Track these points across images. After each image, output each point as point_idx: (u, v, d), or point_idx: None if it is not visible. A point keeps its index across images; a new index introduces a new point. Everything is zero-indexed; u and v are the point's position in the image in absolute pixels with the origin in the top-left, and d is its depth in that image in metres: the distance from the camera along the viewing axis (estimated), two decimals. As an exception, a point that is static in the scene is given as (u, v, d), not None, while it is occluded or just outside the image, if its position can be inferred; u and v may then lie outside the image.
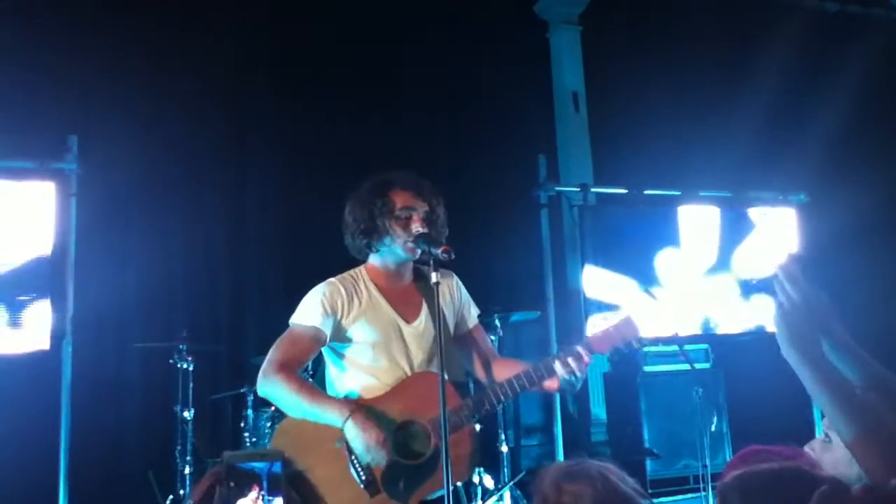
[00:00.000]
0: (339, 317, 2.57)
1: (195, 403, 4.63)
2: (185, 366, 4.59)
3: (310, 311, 2.57)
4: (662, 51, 6.51)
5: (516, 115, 6.29)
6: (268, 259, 5.78)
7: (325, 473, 2.35)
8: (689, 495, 5.06)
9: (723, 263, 5.73)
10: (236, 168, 5.81)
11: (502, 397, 2.54)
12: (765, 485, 1.35)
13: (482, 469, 4.63)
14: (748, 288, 5.66)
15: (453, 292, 2.74)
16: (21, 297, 4.41)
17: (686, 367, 5.13)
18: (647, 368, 5.51)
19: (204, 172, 5.69)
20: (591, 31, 6.82)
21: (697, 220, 5.78)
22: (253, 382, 4.36)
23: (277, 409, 4.24)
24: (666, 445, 5.32)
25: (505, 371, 2.64)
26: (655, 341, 5.14)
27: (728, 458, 4.96)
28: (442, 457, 2.21)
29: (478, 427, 2.63)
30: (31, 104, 5.07)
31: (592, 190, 5.75)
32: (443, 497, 2.22)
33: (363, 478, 2.44)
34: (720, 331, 5.67)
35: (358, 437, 2.40)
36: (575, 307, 5.48)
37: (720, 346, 5.74)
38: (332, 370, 2.68)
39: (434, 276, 2.37)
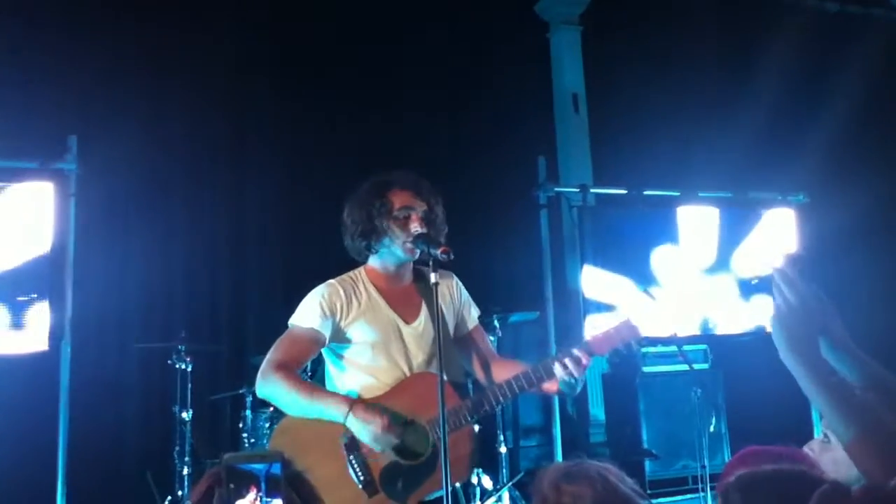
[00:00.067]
0: (337, 318, 2.57)
1: (194, 404, 4.63)
2: (183, 366, 4.59)
3: (309, 313, 2.57)
4: (662, 51, 6.51)
5: (516, 115, 6.29)
6: (267, 259, 5.78)
7: (323, 473, 2.35)
8: (688, 496, 5.06)
9: (722, 264, 5.73)
10: (236, 168, 5.81)
11: (501, 398, 2.54)
12: (767, 485, 1.35)
13: (481, 470, 4.63)
14: (748, 288, 5.66)
15: (453, 293, 2.73)
16: (20, 298, 4.41)
17: (685, 367, 5.13)
18: (646, 369, 5.51)
19: (203, 173, 5.69)
20: (591, 31, 6.82)
21: (697, 220, 5.77)
22: (252, 383, 4.36)
23: (276, 410, 4.24)
24: (665, 446, 5.32)
25: (504, 372, 2.64)
26: (654, 342, 5.15)
27: (727, 459, 4.97)
28: (441, 457, 2.21)
29: (476, 428, 2.62)
30: (31, 104, 5.07)
31: (592, 190, 5.75)
32: (441, 497, 2.21)
33: (361, 478, 2.44)
34: (719, 331, 5.67)
35: (363, 428, 2.40)
36: (574, 308, 5.48)
37: (719, 347, 5.74)
38: (331, 370, 2.68)
39: (433, 277, 2.37)
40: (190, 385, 4.62)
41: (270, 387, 2.51)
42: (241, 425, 4.74)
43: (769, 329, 1.38)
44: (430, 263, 2.39)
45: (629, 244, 5.56)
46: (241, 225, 5.76)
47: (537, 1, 6.82)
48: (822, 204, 6.07)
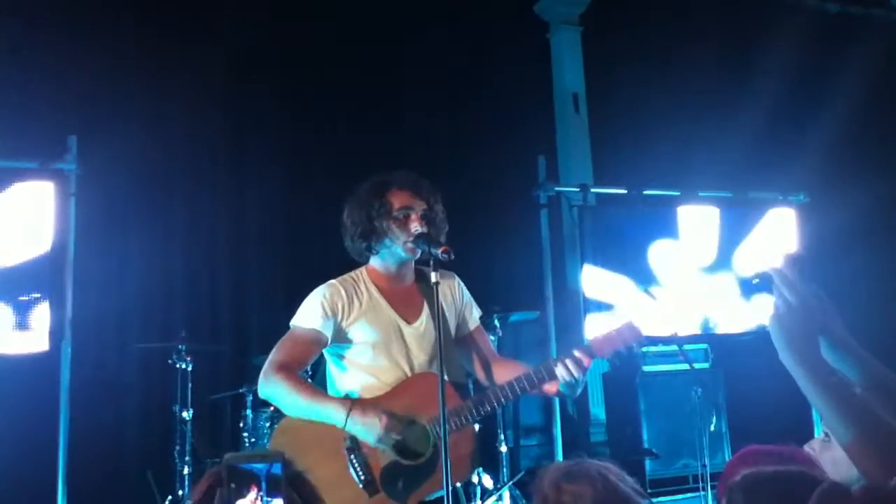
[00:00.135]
0: (339, 319, 2.57)
1: (194, 404, 4.63)
2: (184, 366, 4.59)
3: (310, 314, 2.57)
4: (662, 51, 6.51)
5: (516, 115, 6.29)
6: (267, 259, 5.78)
7: (324, 473, 2.35)
8: (689, 495, 5.06)
9: (722, 263, 5.73)
10: (236, 167, 5.81)
11: (503, 399, 2.54)
12: (770, 486, 1.35)
13: (481, 469, 4.63)
14: (748, 287, 5.66)
15: (454, 293, 2.73)
16: (21, 298, 4.41)
17: (685, 366, 5.13)
18: (647, 368, 5.51)
19: (204, 172, 5.69)
20: (591, 31, 6.83)
21: (697, 220, 5.77)
22: (252, 383, 4.39)
23: (276, 409, 4.23)
24: (665, 445, 5.32)
25: (505, 373, 2.64)
26: (654, 341, 5.15)
27: (727, 458, 4.97)
28: (441, 457, 2.21)
29: (477, 427, 2.62)
30: (31, 104, 5.07)
31: (592, 190, 5.75)
32: (442, 498, 2.22)
33: (362, 477, 2.44)
34: (720, 330, 5.67)
35: (364, 430, 2.40)
36: (574, 307, 5.48)
37: (720, 346, 5.74)
38: (332, 370, 2.68)
39: (434, 276, 2.37)
40: (190, 385, 4.62)
41: (271, 388, 2.51)
42: (241, 425, 4.74)
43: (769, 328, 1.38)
44: (431, 263, 2.39)
45: (629, 244, 5.56)
46: (241, 224, 5.76)
47: (537, 1, 6.82)
48: (823, 204, 6.07)
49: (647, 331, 2.64)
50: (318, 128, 5.82)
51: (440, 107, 6.04)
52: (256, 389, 2.61)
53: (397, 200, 2.57)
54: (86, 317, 4.72)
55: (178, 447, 4.58)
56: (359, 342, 2.58)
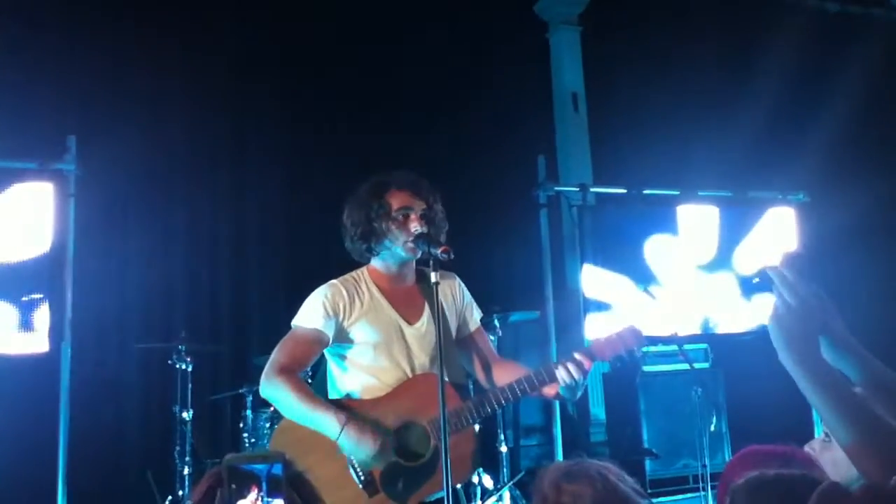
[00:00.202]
0: (340, 318, 2.57)
1: (194, 404, 4.63)
2: (183, 366, 4.59)
3: (312, 313, 2.57)
4: (662, 51, 6.51)
5: (516, 115, 6.29)
6: (267, 259, 5.78)
7: (324, 473, 2.35)
8: (689, 495, 5.06)
9: (722, 263, 5.73)
10: (236, 168, 5.81)
11: (504, 401, 2.54)
12: (773, 490, 1.35)
13: (481, 469, 4.63)
14: (749, 287, 5.66)
15: (455, 294, 2.73)
16: (24, 299, 4.41)
17: (685, 366, 5.13)
18: (647, 368, 5.50)
19: (203, 173, 5.70)
20: (590, 31, 6.82)
21: (697, 219, 5.77)
22: (252, 383, 4.39)
23: (276, 410, 4.24)
24: (665, 445, 5.32)
25: (506, 375, 2.64)
26: (654, 341, 5.15)
27: (727, 458, 4.97)
28: (442, 458, 2.21)
29: (477, 427, 2.62)
30: (30, 105, 5.07)
31: (592, 190, 5.75)
32: (442, 499, 2.21)
33: (362, 478, 2.44)
34: (720, 330, 5.67)
35: (356, 447, 2.40)
36: (574, 307, 5.48)
37: (720, 346, 5.74)
38: (333, 370, 2.68)
39: (434, 276, 2.37)
40: (190, 385, 4.62)
41: (272, 389, 2.51)
42: (241, 425, 4.74)
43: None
44: (431, 263, 2.39)
45: (629, 243, 5.56)
46: (241, 224, 5.76)
47: (537, 1, 6.82)
48: (822, 203, 6.06)
49: (648, 331, 2.64)
50: (318, 127, 5.82)
51: (440, 107, 6.04)
52: (256, 390, 2.61)
53: (396, 201, 2.57)
54: (86, 317, 4.72)
55: (178, 447, 4.58)
56: (360, 342, 2.58)
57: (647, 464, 5.28)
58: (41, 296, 4.43)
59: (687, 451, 5.10)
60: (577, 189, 5.56)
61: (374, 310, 2.60)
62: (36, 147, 4.64)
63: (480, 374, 2.74)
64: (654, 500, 4.91)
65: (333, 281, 2.63)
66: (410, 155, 4.93)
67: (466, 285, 2.79)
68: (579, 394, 2.54)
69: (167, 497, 4.62)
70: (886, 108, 6.97)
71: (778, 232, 5.86)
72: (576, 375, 2.47)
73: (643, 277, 5.47)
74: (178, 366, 4.59)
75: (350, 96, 5.87)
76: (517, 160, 5.81)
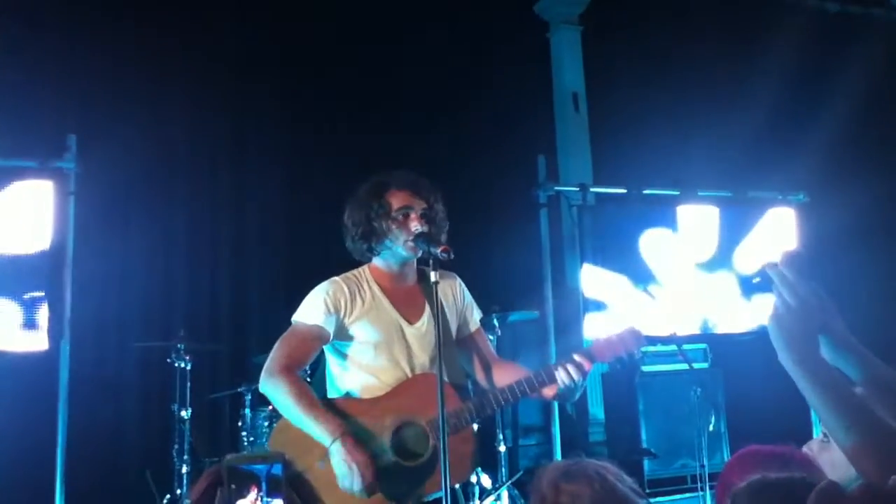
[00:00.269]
0: (341, 315, 2.57)
1: (193, 403, 4.63)
2: (182, 365, 4.59)
3: (313, 309, 2.56)
4: (662, 51, 6.51)
5: (516, 114, 6.29)
6: (266, 258, 5.79)
7: (323, 472, 2.36)
8: (687, 495, 5.06)
9: (722, 263, 5.73)
10: (236, 166, 5.82)
11: (503, 402, 2.54)
12: (775, 493, 1.35)
13: (480, 469, 4.63)
14: (749, 286, 5.66)
15: (456, 294, 2.73)
16: (26, 296, 4.41)
17: (684, 366, 5.13)
18: (645, 368, 5.50)
19: (203, 171, 5.70)
20: (591, 31, 6.82)
21: (697, 219, 5.78)
22: (251, 381, 4.39)
23: (275, 409, 4.24)
24: (664, 445, 5.32)
25: (505, 375, 2.64)
26: (653, 341, 5.15)
27: (726, 458, 4.97)
28: (440, 458, 2.21)
29: (476, 427, 2.62)
30: (30, 103, 5.07)
31: (592, 190, 5.75)
32: (440, 499, 2.21)
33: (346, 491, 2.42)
34: (719, 330, 5.67)
35: (342, 460, 2.36)
36: (573, 307, 5.48)
37: (719, 346, 5.74)
38: (333, 368, 2.68)
39: (433, 276, 2.37)
40: (189, 384, 4.61)
41: (272, 388, 2.50)
42: (240, 424, 4.74)
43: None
44: (431, 262, 2.40)
45: (629, 243, 5.56)
46: (240, 223, 5.76)
47: (537, 1, 6.82)
48: (822, 203, 6.07)
49: (647, 330, 2.64)
50: (318, 127, 5.83)
51: (440, 107, 6.04)
52: (255, 388, 2.61)
53: (396, 200, 2.58)
54: (85, 315, 4.72)
55: (176, 446, 4.57)
56: (360, 341, 2.58)
57: (646, 464, 5.28)
58: (42, 294, 4.43)
59: (685, 451, 5.10)
60: (577, 189, 5.57)
61: (375, 308, 2.60)
62: (36, 145, 4.64)
63: (480, 375, 2.74)
64: (653, 500, 4.91)
65: (335, 278, 2.63)
66: (411, 155, 4.93)
67: (466, 285, 2.79)
68: (578, 395, 2.55)
69: (165, 495, 4.62)
70: (886, 108, 6.98)
71: (778, 232, 5.86)
72: (575, 377, 2.47)
73: (643, 277, 5.47)
74: (176, 364, 4.59)
75: (350, 96, 5.87)
76: (517, 160, 5.81)
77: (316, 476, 2.18)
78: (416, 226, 2.54)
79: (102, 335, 5.19)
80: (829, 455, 1.76)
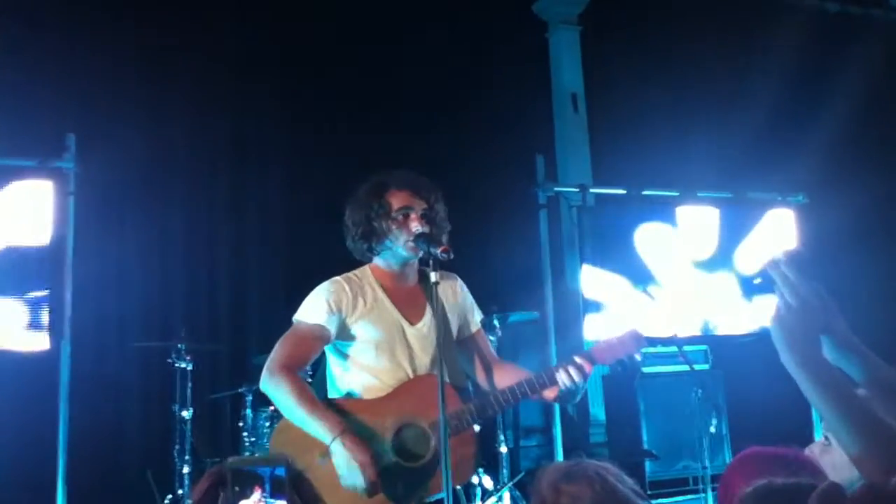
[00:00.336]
0: (343, 315, 2.56)
1: (194, 403, 4.62)
2: (183, 365, 4.58)
3: (314, 309, 2.56)
4: (662, 51, 6.50)
5: (515, 115, 6.29)
6: (267, 258, 5.78)
7: (324, 472, 2.36)
8: (689, 496, 5.06)
9: (722, 264, 5.73)
10: (235, 166, 5.81)
11: (504, 404, 2.55)
12: (782, 498, 1.35)
13: (481, 470, 4.63)
14: (750, 287, 5.65)
15: (457, 295, 2.73)
16: (28, 295, 4.42)
17: (685, 368, 5.13)
18: (646, 369, 5.50)
19: (203, 171, 5.70)
20: (590, 31, 6.82)
21: (696, 220, 5.77)
22: (252, 382, 4.39)
23: (276, 409, 4.24)
24: (665, 447, 5.32)
25: (506, 377, 2.64)
26: (654, 342, 5.15)
27: (727, 460, 4.97)
28: (441, 460, 2.20)
29: (477, 428, 2.62)
30: (30, 103, 5.06)
31: (591, 190, 5.75)
32: (442, 499, 2.21)
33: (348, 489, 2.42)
34: (720, 332, 5.67)
35: (344, 456, 2.36)
36: (573, 307, 5.48)
37: (719, 348, 5.74)
38: (334, 368, 2.67)
39: (433, 276, 2.36)
40: (190, 384, 4.61)
41: (273, 386, 2.50)
42: (241, 424, 4.73)
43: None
44: (431, 263, 2.39)
45: (629, 244, 5.55)
46: (241, 223, 5.76)
47: (536, 1, 6.82)
48: (822, 205, 6.07)
49: (647, 332, 2.64)
50: (317, 127, 5.82)
51: (439, 107, 6.04)
52: (256, 389, 2.61)
53: (396, 201, 2.58)
54: (85, 316, 4.72)
55: (177, 446, 4.57)
56: (361, 341, 2.58)
57: (647, 465, 5.28)
58: (46, 293, 4.43)
59: (687, 452, 5.10)
60: (577, 189, 5.57)
61: (376, 309, 2.60)
62: (35, 145, 4.64)
63: (480, 376, 2.74)
64: (654, 502, 4.90)
65: (336, 278, 2.63)
66: (410, 155, 4.92)
67: (465, 285, 2.79)
68: (579, 397, 2.55)
69: (166, 496, 4.62)
70: (886, 108, 6.97)
71: (777, 233, 5.86)
72: (576, 379, 2.47)
73: (642, 278, 5.47)
74: (177, 365, 4.59)
75: (350, 96, 5.87)
76: (516, 160, 5.81)
77: (317, 475, 2.18)
78: (416, 226, 2.54)
79: (103, 335, 5.18)
80: (831, 457, 1.76)
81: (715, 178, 6.03)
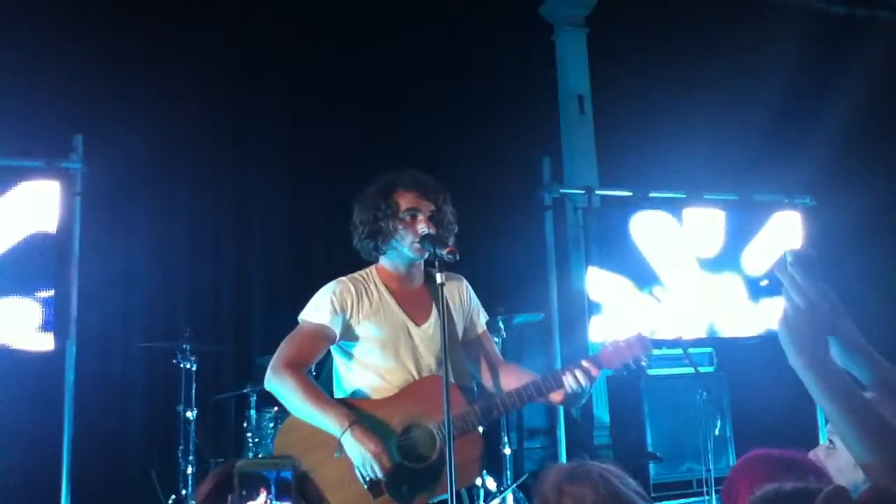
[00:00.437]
0: (348, 315, 2.57)
1: (198, 403, 4.63)
2: (188, 366, 4.59)
3: (319, 309, 2.57)
4: (668, 53, 6.50)
5: (521, 116, 6.29)
6: (272, 259, 5.79)
7: (329, 472, 2.36)
8: (693, 499, 5.05)
9: (728, 266, 5.71)
10: (241, 167, 5.83)
11: (510, 406, 2.55)
12: (792, 502, 1.34)
13: (485, 471, 4.63)
14: (757, 289, 5.64)
15: (463, 296, 2.73)
16: (38, 295, 4.44)
17: (690, 370, 5.12)
18: (651, 372, 5.49)
19: (209, 172, 5.71)
20: (596, 33, 6.82)
21: (702, 222, 5.76)
22: (256, 382, 4.39)
23: (280, 410, 4.25)
24: (669, 449, 5.31)
25: (512, 379, 2.64)
26: (659, 344, 5.14)
27: (732, 463, 4.95)
28: (447, 461, 2.20)
29: (481, 428, 2.62)
30: (37, 103, 5.09)
31: (597, 192, 5.74)
32: (447, 501, 2.21)
33: (367, 478, 2.43)
34: (725, 334, 5.65)
35: (357, 448, 2.38)
36: (578, 309, 5.47)
37: (724, 350, 5.73)
38: (339, 368, 2.68)
39: (439, 277, 2.36)
40: (194, 384, 4.62)
41: (278, 384, 2.51)
42: (245, 425, 4.74)
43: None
44: (436, 264, 2.40)
45: (634, 246, 5.55)
46: (246, 224, 5.77)
47: (542, 3, 6.82)
48: (828, 207, 6.05)
49: (652, 334, 2.63)
50: (322, 129, 5.83)
51: (445, 108, 6.05)
52: (260, 389, 2.62)
53: (404, 201, 2.58)
54: (91, 316, 4.73)
55: (181, 447, 4.58)
56: (367, 341, 2.58)
57: (651, 467, 5.27)
58: (52, 293, 4.45)
59: (691, 454, 5.09)
60: (583, 191, 5.56)
61: (382, 309, 2.60)
62: (42, 146, 4.66)
63: (486, 378, 2.74)
64: (658, 504, 4.90)
65: (342, 278, 2.64)
66: (415, 156, 4.93)
67: (471, 286, 2.79)
68: (584, 400, 2.55)
69: (170, 496, 4.62)
70: (892, 110, 6.95)
71: (784, 236, 5.85)
72: (583, 383, 2.48)
73: (648, 280, 5.46)
74: (182, 365, 4.59)
75: (354, 98, 5.87)
76: (522, 162, 5.81)
77: (322, 475, 2.18)
78: (422, 227, 2.54)
79: (108, 336, 5.20)
80: (835, 461, 1.76)
81: (721, 180, 6.01)
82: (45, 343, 4.43)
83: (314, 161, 5.78)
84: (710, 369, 5.64)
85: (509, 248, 6.02)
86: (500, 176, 6.08)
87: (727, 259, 5.72)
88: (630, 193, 5.65)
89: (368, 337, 2.58)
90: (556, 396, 2.55)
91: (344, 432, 2.39)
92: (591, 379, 2.49)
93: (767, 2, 6.76)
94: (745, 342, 5.65)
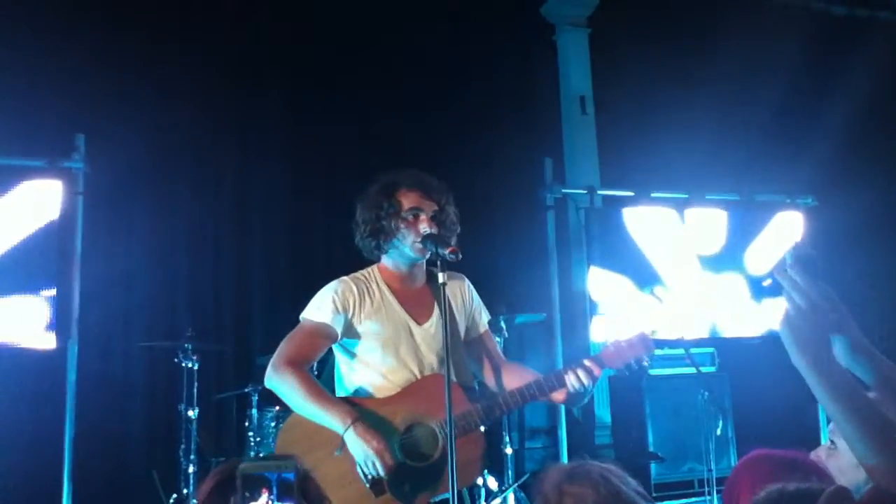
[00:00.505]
0: (350, 314, 2.57)
1: (200, 402, 4.63)
2: (189, 365, 4.59)
3: (321, 307, 2.57)
4: (670, 54, 6.49)
5: (523, 117, 6.29)
6: (273, 258, 5.79)
7: (330, 470, 2.36)
8: (694, 499, 5.05)
9: (730, 266, 5.71)
10: (242, 167, 5.83)
11: (512, 405, 2.55)
12: (797, 503, 1.34)
13: (486, 470, 4.63)
14: (759, 290, 5.64)
15: (465, 296, 2.73)
16: (44, 293, 4.44)
17: (691, 370, 5.11)
18: (653, 371, 5.49)
19: (210, 172, 5.72)
20: (598, 33, 6.81)
21: (704, 222, 5.76)
22: (257, 382, 4.39)
23: (282, 409, 4.25)
24: (671, 449, 5.31)
25: (514, 378, 2.64)
26: (661, 344, 5.13)
27: (733, 463, 4.95)
28: (448, 460, 2.20)
29: (483, 428, 2.62)
30: (39, 103, 5.09)
31: (599, 192, 5.74)
32: (448, 500, 2.21)
33: (369, 477, 2.43)
34: (727, 334, 5.65)
35: (360, 445, 2.39)
36: (580, 309, 5.47)
37: (726, 350, 5.72)
38: (341, 367, 2.68)
39: (441, 277, 2.36)
40: (196, 384, 4.62)
41: (279, 381, 2.51)
42: (246, 424, 4.74)
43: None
44: (439, 263, 2.40)
45: (636, 246, 5.54)
46: (247, 224, 5.78)
47: (544, 3, 6.81)
48: (830, 207, 6.05)
49: (654, 334, 2.63)
50: (322, 129, 5.83)
51: (446, 108, 6.04)
52: (262, 389, 2.62)
53: (407, 201, 2.58)
54: (92, 316, 4.73)
55: (183, 446, 4.58)
56: (368, 340, 2.58)
57: (653, 467, 5.27)
58: (54, 292, 4.45)
59: (692, 454, 5.09)
60: (585, 191, 5.56)
61: (383, 308, 2.60)
62: (44, 145, 4.66)
63: (488, 377, 2.74)
64: (659, 504, 4.90)
65: (344, 277, 2.64)
66: (416, 156, 4.91)
67: (473, 286, 2.79)
68: (586, 399, 2.55)
69: (172, 495, 4.62)
70: (894, 111, 6.95)
71: (786, 236, 5.85)
72: (585, 382, 2.47)
73: (650, 280, 5.46)
74: (183, 364, 4.59)
75: (356, 98, 5.87)
76: (524, 162, 5.81)
77: (324, 473, 2.18)
78: (424, 227, 2.54)
79: (110, 335, 5.20)
80: (837, 461, 1.76)
81: (723, 181, 6.01)
82: (47, 342, 4.43)
83: (314, 161, 5.78)
84: (712, 369, 5.64)
85: (511, 247, 6.02)
86: (502, 176, 6.08)
87: (729, 259, 5.72)
88: (632, 193, 5.66)
89: (370, 336, 2.58)
90: (558, 395, 2.54)
91: (347, 429, 2.39)
92: (593, 378, 2.48)
93: (768, 2, 6.75)
94: (746, 342, 5.64)
